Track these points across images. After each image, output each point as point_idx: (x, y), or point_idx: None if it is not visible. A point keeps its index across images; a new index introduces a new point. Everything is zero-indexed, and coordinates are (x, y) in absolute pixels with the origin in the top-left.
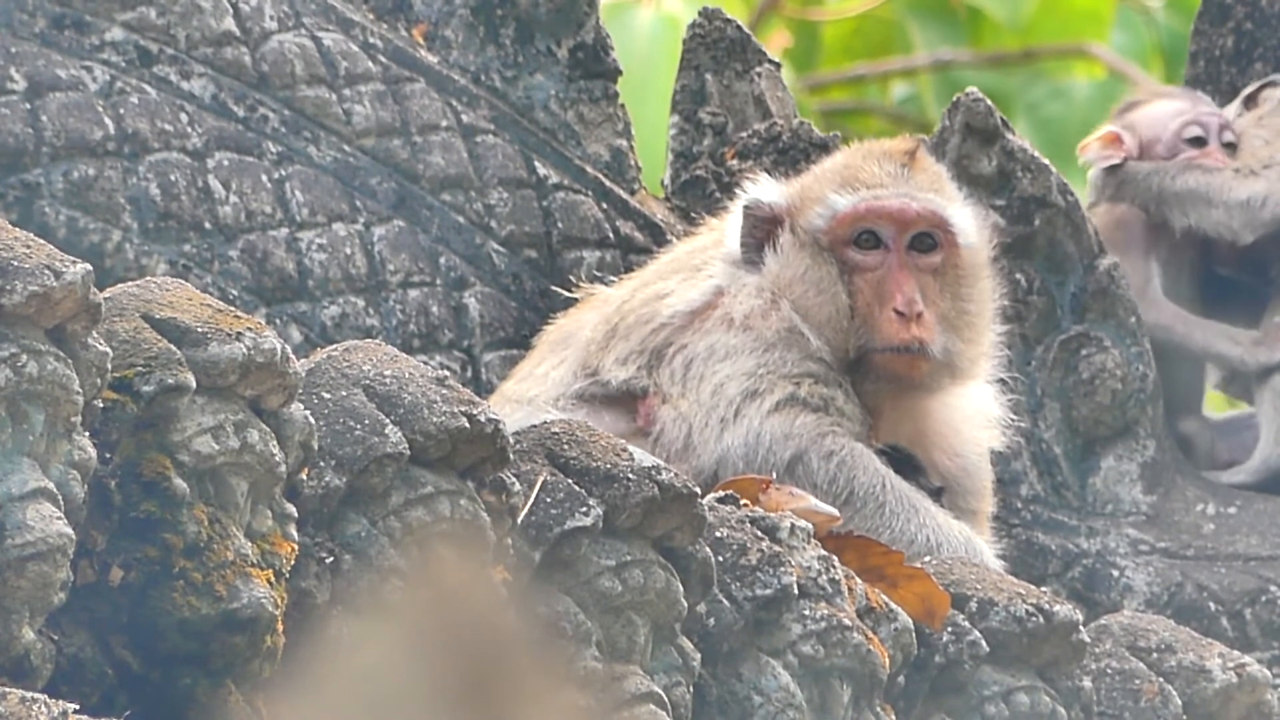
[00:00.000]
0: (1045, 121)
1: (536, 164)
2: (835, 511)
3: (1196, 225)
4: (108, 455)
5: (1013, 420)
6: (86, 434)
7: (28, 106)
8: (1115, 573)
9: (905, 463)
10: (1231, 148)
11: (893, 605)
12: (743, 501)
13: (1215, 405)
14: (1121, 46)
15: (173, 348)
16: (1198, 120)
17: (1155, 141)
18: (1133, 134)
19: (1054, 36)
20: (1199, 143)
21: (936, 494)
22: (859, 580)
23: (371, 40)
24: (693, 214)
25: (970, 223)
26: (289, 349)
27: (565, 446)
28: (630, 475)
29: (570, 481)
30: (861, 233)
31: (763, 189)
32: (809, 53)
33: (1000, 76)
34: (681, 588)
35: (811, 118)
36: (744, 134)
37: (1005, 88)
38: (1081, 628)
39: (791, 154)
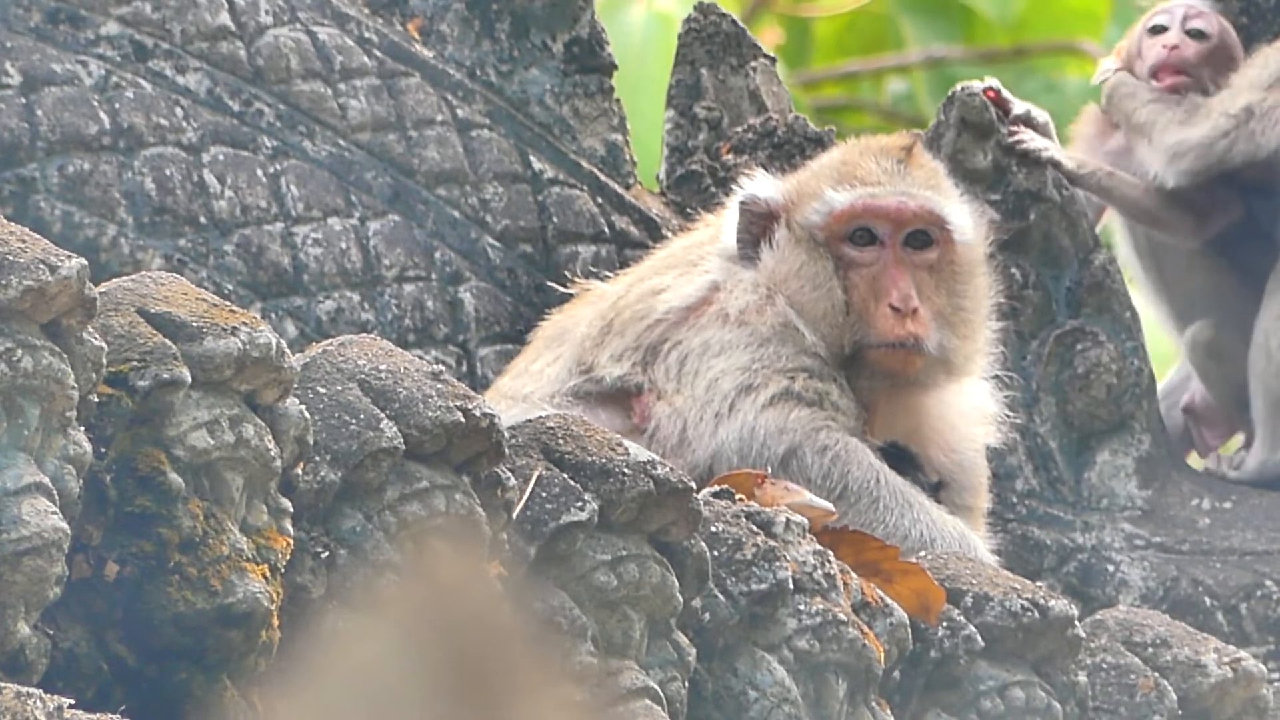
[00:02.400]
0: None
1: (532, 158)
2: (831, 506)
3: (1140, 158)
4: (103, 450)
5: (1008, 416)
6: (82, 429)
7: (23, 101)
8: (1111, 567)
9: (903, 459)
10: (1199, 36)
11: (888, 600)
12: (738, 496)
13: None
14: (1114, 43)
15: (168, 342)
16: (1164, 9)
17: (1132, 42)
18: (1127, 44)
19: (1046, 33)
20: (1159, 30)
21: (935, 490)
22: (854, 575)
23: (367, 35)
24: (688, 209)
25: (967, 220)
26: (284, 344)
27: (561, 441)
28: (626, 470)
29: (566, 476)
30: (857, 229)
31: (759, 184)
32: (801, 49)
33: (993, 72)
34: (677, 582)
35: (804, 114)
36: (739, 129)
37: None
38: (1077, 623)
39: (787, 149)
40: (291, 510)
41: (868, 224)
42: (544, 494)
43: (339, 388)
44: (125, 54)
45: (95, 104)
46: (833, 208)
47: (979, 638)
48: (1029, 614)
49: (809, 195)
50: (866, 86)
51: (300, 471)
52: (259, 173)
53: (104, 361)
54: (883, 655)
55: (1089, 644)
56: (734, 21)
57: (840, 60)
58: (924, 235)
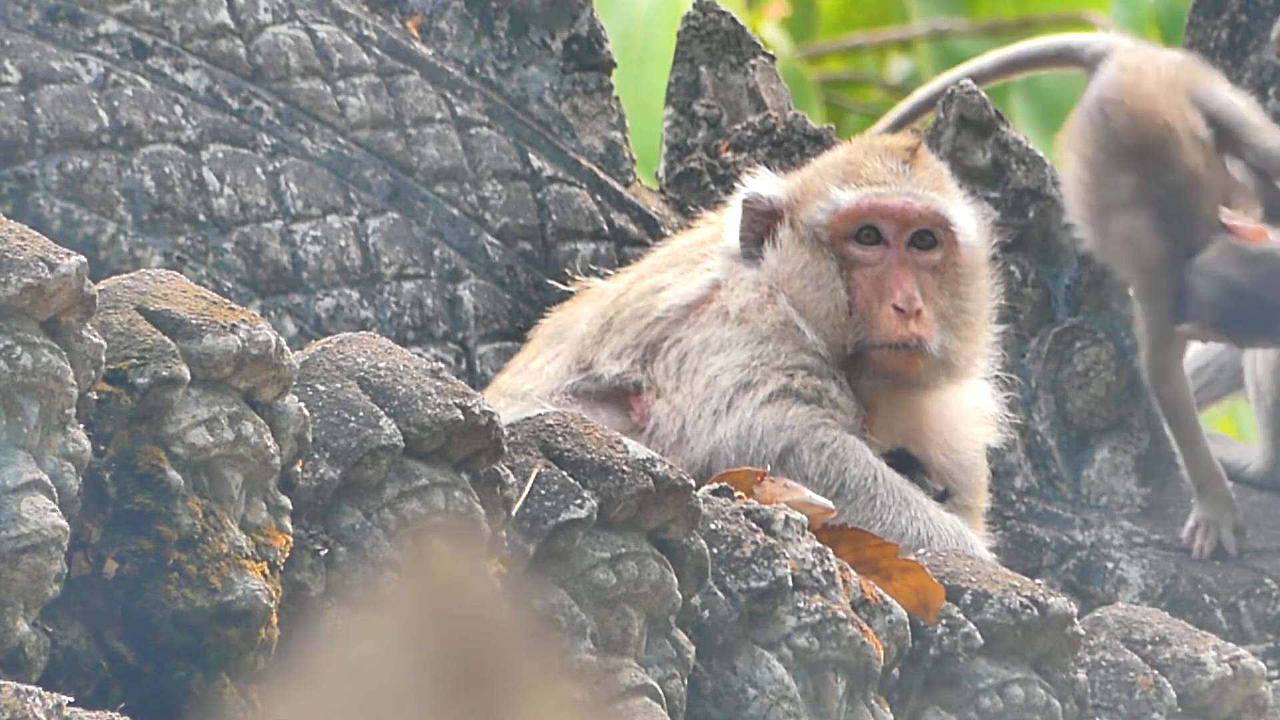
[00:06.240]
0: (1043, 92)
1: (531, 156)
2: (830, 504)
3: None
4: (102, 448)
5: (1008, 416)
6: (81, 426)
7: (22, 99)
8: (1110, 565)
9: (909, 465)
10: None
11: (887, 598)
12: (737, 494)
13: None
14: (1119, 17)
15: (167, 340)
16: None
17: None
18: None
19: (1052, 5)
20: None
21: (940, 498)
22: (853, 573)
23: (366, 33)
24: (687, 206)
25: (971, 221)
26: (283, 341)
27: (560, 439)
28: (625, 468)
29: (565, 474)
30: (863, 228)
31: (762, 183)
32: (806, 23)
33: (998, 45)
34: (676, 580)
35: (808, 88)
36: (738, 126)
37: None
38: (1076, 620)
39: (786, 146)
40: (290, 508)
41: (873, 223)
42: (543, 491)
43: (338, 385)
44: (124, 52)
45: (94, 102)
46: (838, 206)
47: (978, 635)
48: (1028, 611)
49: (814, 194)
50: (870, 61)
51: (299, 469)
52: (258, 170)
53: (103, 359)
54: (882, 653)
55: (1088, 641)
56: (733, 19)
57: (845, 34)
58: (929, 236)
